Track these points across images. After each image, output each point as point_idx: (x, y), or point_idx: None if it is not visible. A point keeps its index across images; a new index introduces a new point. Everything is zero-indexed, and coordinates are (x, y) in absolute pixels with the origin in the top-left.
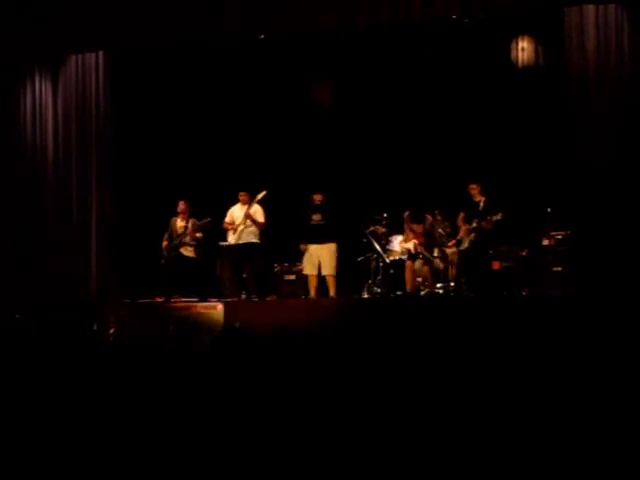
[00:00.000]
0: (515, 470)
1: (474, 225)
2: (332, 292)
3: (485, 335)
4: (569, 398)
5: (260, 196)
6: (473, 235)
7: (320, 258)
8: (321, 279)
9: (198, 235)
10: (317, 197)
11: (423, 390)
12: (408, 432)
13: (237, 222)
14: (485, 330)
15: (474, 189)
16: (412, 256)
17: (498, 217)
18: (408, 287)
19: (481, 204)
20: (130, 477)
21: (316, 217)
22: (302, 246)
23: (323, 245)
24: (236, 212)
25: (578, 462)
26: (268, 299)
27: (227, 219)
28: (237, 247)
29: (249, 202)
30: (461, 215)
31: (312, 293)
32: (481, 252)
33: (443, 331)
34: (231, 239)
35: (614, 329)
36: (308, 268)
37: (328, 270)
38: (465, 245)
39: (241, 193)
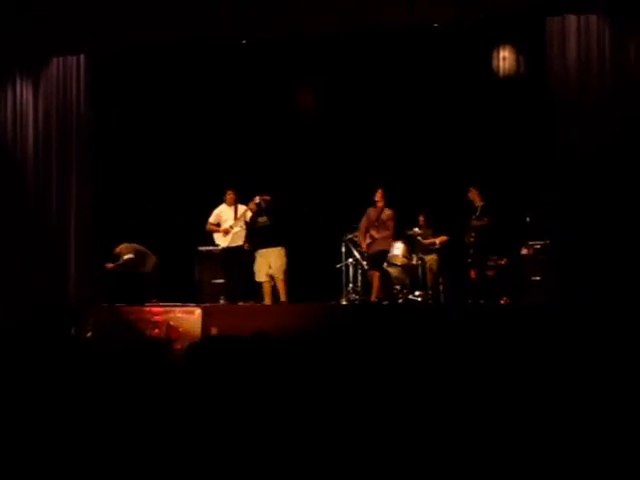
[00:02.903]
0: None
1: (471, 230)
2: (283, 297)
3: (463, 343)
4: (547, 407)
5: (258, 200)
6: (472, 238)
7: (269, 262)
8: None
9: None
10: (263, 199)
11: (398, 397)
12: (391, 438)
13: (228, 224)
14: (462, 338)
15: (473, 193)
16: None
17: (484, 222)
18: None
19: (479, 209)
20: None
21: (262, 219)
22: (246, 245)
23: (270, 249)
24: (225, 213)
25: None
26: (246, 304)
27: (212, 219)
28: (230, 250)
29: (236, 203)
30: (471, 225)
31: (266, 299)
32: (481, 253)
33: (420, 339)
34: (222, 241)
35: (593, 338)
36: (259, 275)
37: (276, 273)
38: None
39: (228, 192)
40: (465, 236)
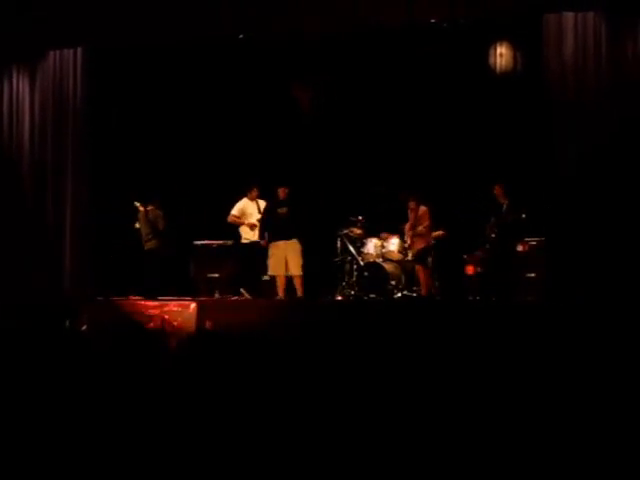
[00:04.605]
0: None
1: (494, 226)
2: (300, 292)
3: (457, 339)
4: (541, 405)
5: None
6: (494, 235)
7: (287, 257)
8: (288, 279)
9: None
10: (282, 191)
11: (392, 393)
12: (383, 436)
13: (254, 218)
14: (457, 334)
15: (498, 190)
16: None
17: (509, 220)
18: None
19: (504, 206)
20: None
21: (282, 210)
22: (263, 242)
23: (288, 242)
24: (249, 207)
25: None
26: (242, 298)
27: (236, 212)
28: (256, 244)
29: (258, 198)
30: (492, 220)
31: (280, 293)
32: (504, 250)
33: (415, 335)
34: (249, 235)
35: (589, 335)
36: (275, 268)
37: (295, 270)
38: (487, 245)
39: (253, 188)
40: (486, 231)
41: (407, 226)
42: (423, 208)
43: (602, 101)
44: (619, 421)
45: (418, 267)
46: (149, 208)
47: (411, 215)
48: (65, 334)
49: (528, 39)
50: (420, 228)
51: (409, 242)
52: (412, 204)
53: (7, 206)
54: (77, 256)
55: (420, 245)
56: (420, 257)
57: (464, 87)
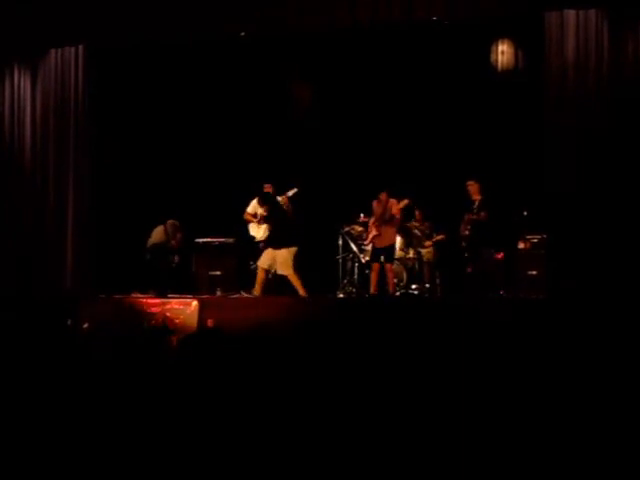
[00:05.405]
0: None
1: (466, 223)
2: (300, 292)
3: (457, 337)
4: (540, 402)
5: (291, 193)
6: (467, 231)
7: (275, 257)
8: (279, 277)
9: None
10: (266, 205)
11: (396, 391)
12: (384, 433)
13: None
14: (457, 332)
15: (471, 186)
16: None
17: (480, 217)
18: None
19: (476, 203)
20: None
21: (268, 223)
22: (262, 244)
23: (277, 250)
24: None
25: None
26: (243, 296)
27: (250, 210)
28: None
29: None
30: (466, 218)
31: (256, 288)
32: (481, 247)
33: (416, 332)
34: (256, 233)
35: (588, 334)
36: (260, 260)
37: (281, 269)
38: (462, 243)
39: (266, 185)
40: (460, 229)
41: (372, 220)
42: (393, 200)
43: (603, 98)
44: (620, 416)
45: (386, 266)
46: (168, 223)
47: (378, 209)
48: (66, 332)
49: (530, 37)
50: (390, 214)
51: (375, 233)
52: (383, 195)
53: (9, 204)
54: (79, 254)
55: (389, 239)
56: (388, 254)
57: (465, 84)
